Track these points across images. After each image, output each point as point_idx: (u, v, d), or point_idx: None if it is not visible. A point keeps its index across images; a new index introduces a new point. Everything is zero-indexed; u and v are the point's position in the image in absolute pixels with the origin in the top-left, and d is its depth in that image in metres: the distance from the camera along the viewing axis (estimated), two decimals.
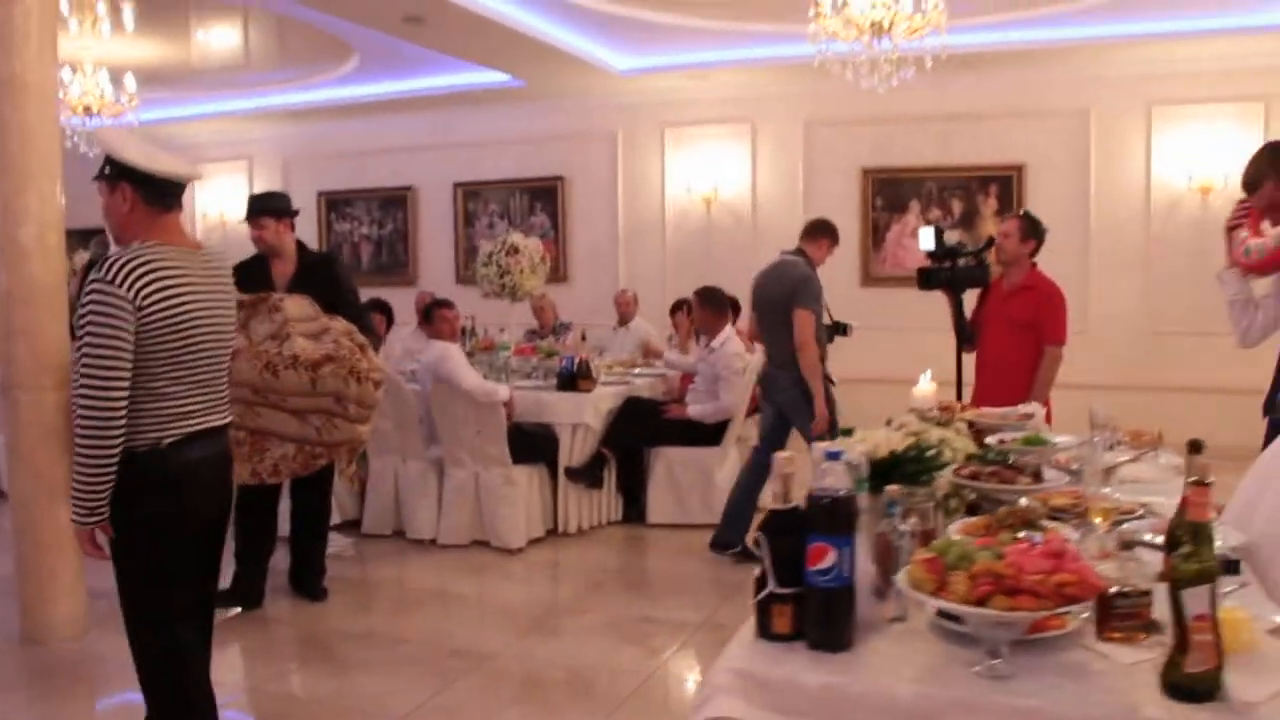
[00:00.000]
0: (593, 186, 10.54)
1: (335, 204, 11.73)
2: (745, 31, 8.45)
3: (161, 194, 2.79)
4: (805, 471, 2.06)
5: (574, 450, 6.24)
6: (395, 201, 11.45)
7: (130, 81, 8.25)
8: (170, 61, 9.51)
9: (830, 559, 1.91)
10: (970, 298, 5.42)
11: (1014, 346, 5.02)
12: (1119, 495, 2.82)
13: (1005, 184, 9.00)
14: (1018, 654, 1.85)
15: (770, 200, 9.84)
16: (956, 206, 9.12)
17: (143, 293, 2.63)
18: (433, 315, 6.24)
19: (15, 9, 4.40)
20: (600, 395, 6.42)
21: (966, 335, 5.38)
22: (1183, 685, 1.70)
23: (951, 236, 8.76)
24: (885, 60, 6.28)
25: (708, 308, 6.48)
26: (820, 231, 5.94)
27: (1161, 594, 1.82)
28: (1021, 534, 2.21)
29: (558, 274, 10.65)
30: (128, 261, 2.67)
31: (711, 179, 9.94)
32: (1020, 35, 8.22)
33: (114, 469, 2.64)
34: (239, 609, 4.92)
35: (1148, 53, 8.33)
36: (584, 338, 7.29)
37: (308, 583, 5.13)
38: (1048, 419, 4.55)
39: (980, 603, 1.74)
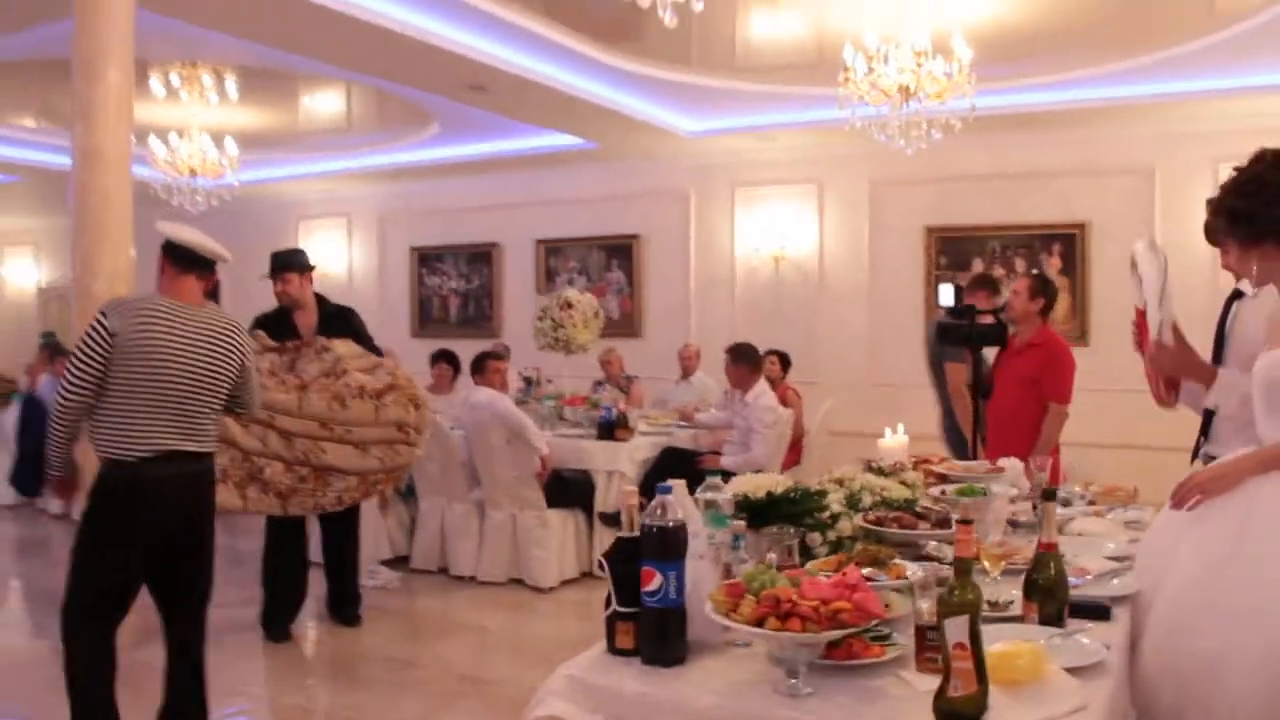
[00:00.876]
0: (666, 244, 10.88)
1: (426, 259, 12.34)
2: (809, 95, 8.70)
3: (181, 261, 3.63)
4: None
5: (609, 496, 6.50)
6: (481, 257, 11.98)
7: (231, 145, 8.93)
8: (273, 126, 10.27)
9: (657, 582, 2.14)
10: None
11: (1021, 402, 5.13)
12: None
13: (1069, 242, 9.00)
14: (829, 677, 2.04)
15: (836, 258, 10.02)
16: (1019, 265, 9.14)
17: (125, 325, 3.43)
18: (483, 365, 6.62)
19: (98, 90, 4.97)
20: (636, 445, 6.69)
21: (983, 390, 5.48)
22: (946, 709, 1.85)
23: None
24: (913, 123, 6.43)
25: (741, 363, 6.70)
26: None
27: None
28: (865, 570, 2.40)
29: (631, 328, 11.03)
30: (121, 302, 3.56)
31: (779, 237, 10.17)
32: (1083, 94, 8.26)
33: (66, 442, 3.55)
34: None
35: (1214, 109, 8.27)
36: (625, 390, 7.56)
37: (342, 609, 5.49)
38: (1054, 475, 4.60)
39: (759, 623, 1.95)
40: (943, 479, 4.08)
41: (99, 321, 3.45)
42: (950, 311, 5.49)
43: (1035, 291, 5.17)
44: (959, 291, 5.47)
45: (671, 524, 2.16)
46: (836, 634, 1.94)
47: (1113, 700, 2.05)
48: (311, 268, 5.59)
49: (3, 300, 16.56)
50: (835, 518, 2.91)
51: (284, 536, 5.27)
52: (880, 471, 3.57)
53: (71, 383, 3.45)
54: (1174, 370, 3.02)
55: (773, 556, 2.48)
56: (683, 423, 7.25)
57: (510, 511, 6.30)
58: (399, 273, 12.55)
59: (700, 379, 9.11)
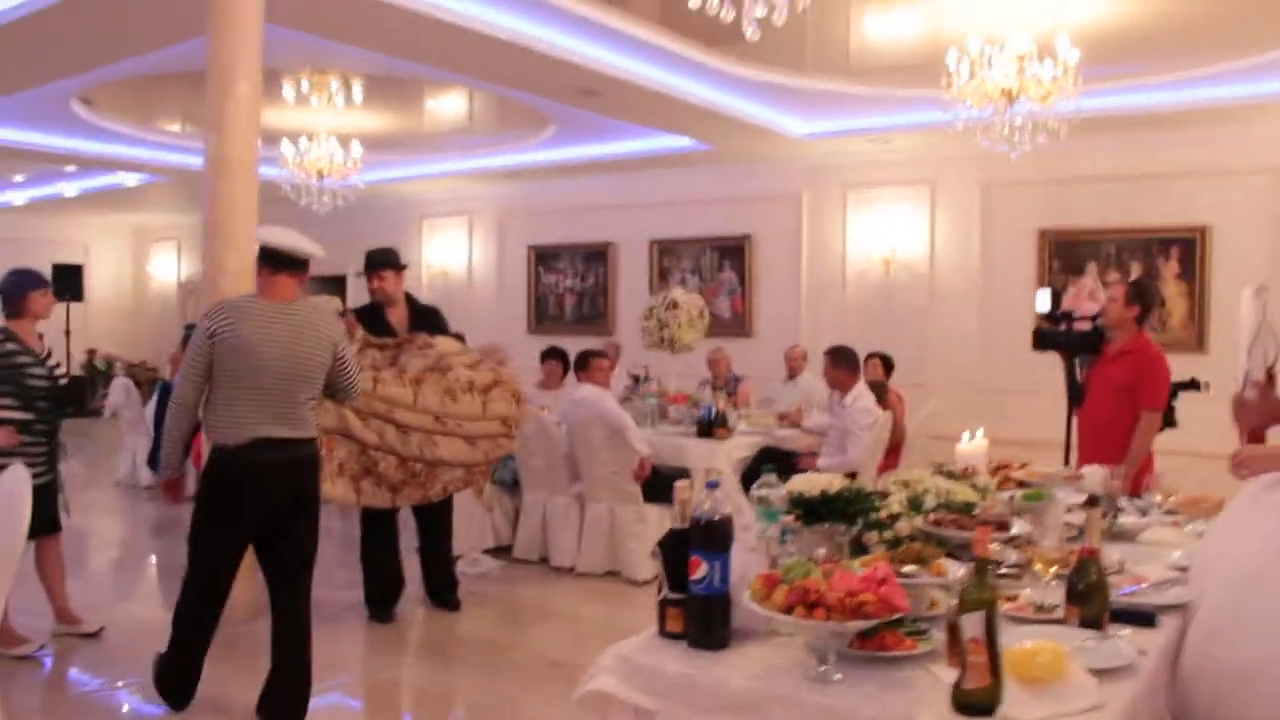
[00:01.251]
0: (778, 245, 10.97)
1: (544, 257, 12.68)
2: (921, 97, 8.68)
3: (273, 262, 3.99)
4: None
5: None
6: (597, 256, 12.26)
7: (356, 147, 9.37)
8: (399, 129, 10.72)
9: (703, 570, 2.29)
10: None
11: (1113, 409, 5.08)
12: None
13: (1188, 246, 8.77)
14: (860, 667, 2.17)
15: (947, 260, 9.96)
16: (1135, 269, 8.94)
17: (218, 325, 3.86)
18: (587, 363, 6.84)
19: (229, 102, 5.36)
20: (734, 444, 6.82)
21: (1077, 397, 5.45)
22: (961, 701, 1.97)
23: None
24: (1015, 126, 6.39)
25: (840, 365, 6.77)
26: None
27: None
28: (908, 568, 2.51)
29: (743, 329, 11.16)
30: (218, 304, 4.00)
31: (891, 239, 10.16)
32: (1204, 93, 8.05)
33: (182, 442, 4.02)
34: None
35: None
36: (732, 390, 7.71)
37: (440, 594, 5.77)
38: (1136, 484, 4.58)
39: (788, 611, 2.09)
40: (1020, 484, 4.14)
41: (201, 324, 3.94)
42: (1046, 317, 5.48)
43: (1131, 299, 5.11)
44: (1056, 296, 5.44)
45: (718, 517, 2.31)
46: (860, 624, 2.06)
47: (1133, 703, 2.10)
48: (404, 266, 5.83)
49: (149, 293, 17.60)
50: (895, 518, 3.00)
51: (377, 524, 5.55)
52: (950, 475, 3.64)
53: (181, 381, 3.94)
54: (1258, 423, 2.99)
55: (821, 551, 2.61)
56: (784, 426, 7.34)
57: (609, 505, 6.50)
58: (517, 270, 12.92)
59: (807, 380, 9.17)
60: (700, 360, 9.38)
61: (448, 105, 10.34)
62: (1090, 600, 2.45)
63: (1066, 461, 5.71)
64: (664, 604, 2.40)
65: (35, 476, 4.76)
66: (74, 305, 14.51)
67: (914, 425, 7.73)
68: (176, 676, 4.15)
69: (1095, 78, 7.77)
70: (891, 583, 2.16)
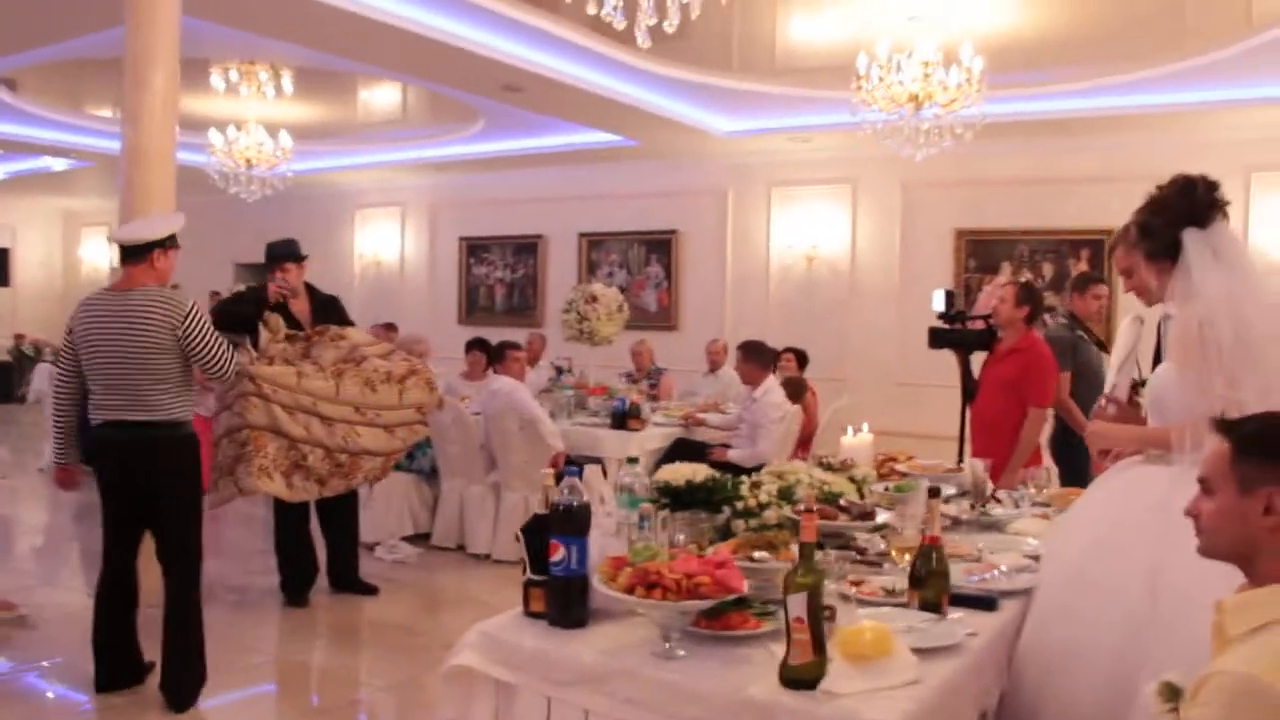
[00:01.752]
0: (703, 240, 11.15)
1: (475, 249, 12.75)
2: (843, 98, 8.87)
3: (121, 254, 4.28)
4: None
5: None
6: (527, 248, 12.37)
7: (285, 137, 9.39)
8: (331, 119, 10.74)
9: (561, 553, 2.45)
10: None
11: (1001, 406, 5.31)
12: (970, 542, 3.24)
13: (1097, 248, 9.08)
14: (705, 644, 2.34)
15: (868, 258, 10.21)
16: (1048, 269, 9.25)
17: (71, 321, 4.24)
18: (503, 354, 6.97)
19: (145, 93, 5.39)
20: (648, 435, 6.99)
21: (971, 393, 5.68)
22: (787, 676, 2.13)
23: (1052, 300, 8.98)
24: (928, 129, 6.61)
25: (751, 360, 6.95)
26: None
27: None
28: (759, 554, 2.68)
29: (669, 321, 11.33)
30: (81, 300, 4.33)
31: (813, 236, 10.39)
32: (1115, 101, 8.32)
33: (63, 431, 4.34)
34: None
35: (1246, 118, 8.30)
36: (652, 384, 7.89)
37: (351, 580, 5.87)
38: (995, 473, 4.75)
39: (629, 591, 2.25)
40: (904, 476, 4.35)
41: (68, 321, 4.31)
42: (941, 315, 5.69)
43: (1021, 299, 5.34)
44: (950, 297, 5.66)
45: (575, 503, 2.47)
46: (697, 604, 2.22)
47: (954, 679, 2.27)
48: (305, 257, 5.84)
49: (80, 278, 17.36)
50: (764, 506, 3.18)
51: (287, 512, 5.66)
52: (828, 467, 3.83)
53: (55, 375, 4.39)
54: (1107, 442, 3.12)
55: (680, 537, 2.77)
56: (686, 423, 7.51)
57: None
58: (448, 261, 12.98)
59: (727, 373, 9.34)
60: (624, 352, 9.56)
61: (380, 97, 10.41)
62: (931, 585, 2.63)
63: (960, 455, 5.94)
64: (527, 585, 2.55)
65: None
66: (1, 290, 14.31)
67: (825, 418, 7.94)
68: (98, 655, 4.29)
69: (1007, 84, 8.05)
70: (730, 566, 2.32)
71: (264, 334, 5.31)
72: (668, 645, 2.29)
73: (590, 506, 2.51)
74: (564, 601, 2.46)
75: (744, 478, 3.35)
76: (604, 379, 8.60)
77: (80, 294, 4.83)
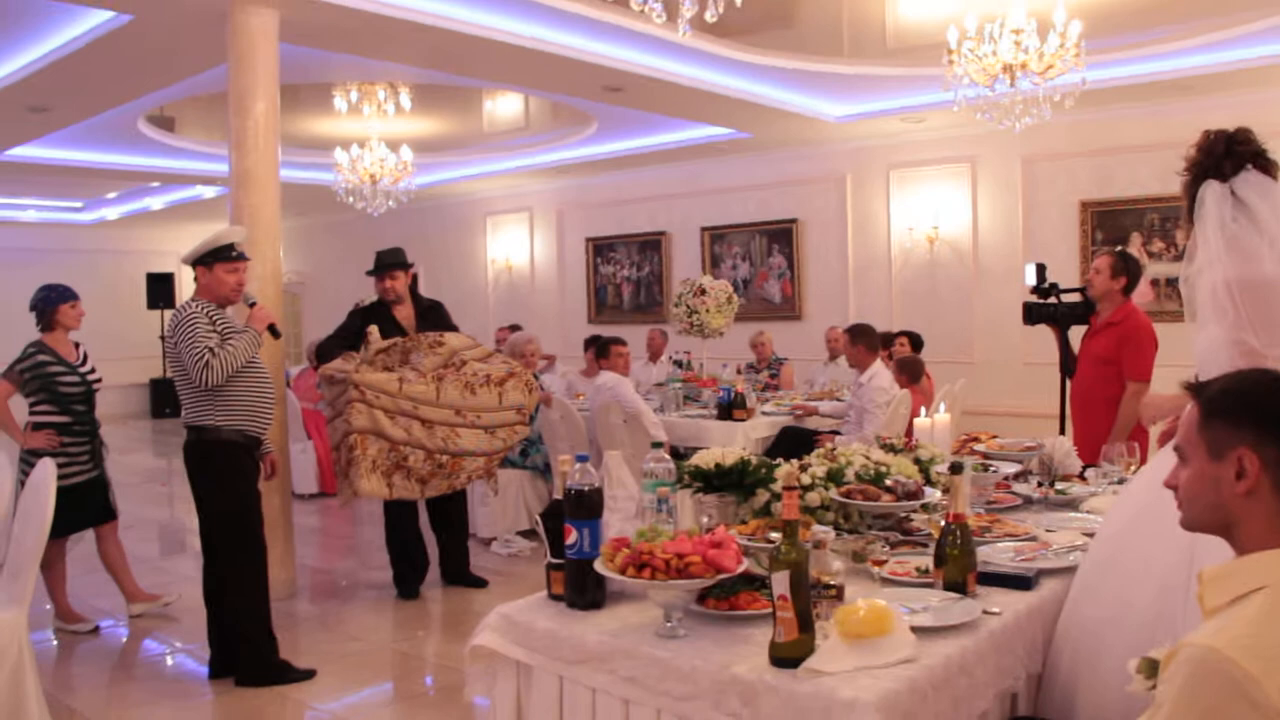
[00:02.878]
0: (824, 228, 11.06)
1: (601, 248, 12.97)
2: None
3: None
4: None
5: None
6: (651, 245, 12.50)
7: (405, 151, 9.77)
8: (455, 130, 11.13)
9: (574, 537, 2.54)
10: None
11: (1099, 381, 5.13)
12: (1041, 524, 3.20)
13: None
14: (710, 624, 2.40)
15: (991, 236, 9.94)
16: (1181, 238, 8.81)
17: None
18: (607, 350, 7.12)
19: (248, 121, 5.76)
20: (754, 424, 7.01)
21: (1069, 369, 5.51)
22: (773, 655, 2.16)
23: (1175, 269, 8.58)
24: (1025, 101, 6.41)
25: (859, 343, 6.89)
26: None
27: None
28: (773, 534, 2.71)
29: (793, 311, 11.29)
30: None
31: (934, 217, 10.18)
32: (1235, 55, 7.87)
33: None
34: None
35: None
36: (739, 371, 7.91)
37: (462, 574, 6.10)
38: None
39: (622, 571, 2.32)
40: (986, 456, 4.29)
41: None
42: (1034, 290, 5.53)
43: (1117, 270, 5.14)
44: (1041, 270, 5.50)
45: (587, 488, 2.56)
46: (686, 583, 2.28)
47: (959, 659, 2.25)
48: (411, 265, 6.14)
49: None
50: (807, 489, 3.20)
51: (398, 511, 5.92)
52: (890, 449, 3.81)
53: None
54: (1156, 411, 3.06)
55: (705, 520, 2.83)
56: (796, 412, 7.49)
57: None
58: (576, 262, 13.24)
59: (845, 360, 9.27)
60: (746, 345, 9.61)
61: (502, 106, 10.72)
62: (955, 563, 2.61)
63: (1062, 432, 5.77)
64: (548, 568, 2.66)
65: (82, 473, 5.29)
66: (168, 312, 15.35)
67: (936, 401, 7.78)
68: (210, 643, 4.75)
69: (1121, 46, 7.73)
70: (727, 545, 2.37)
71: (368, 345, 5.58)
72: (669, 625, 2.35)
73: (601, 491, 2.60)
74: (579, 584, 2.55)
75: (793, 461, 3.36)
76: (722, 372, 8.64)
77: (242, 313, 5.32)
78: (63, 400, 5.26)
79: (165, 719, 4.27)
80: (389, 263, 5.99)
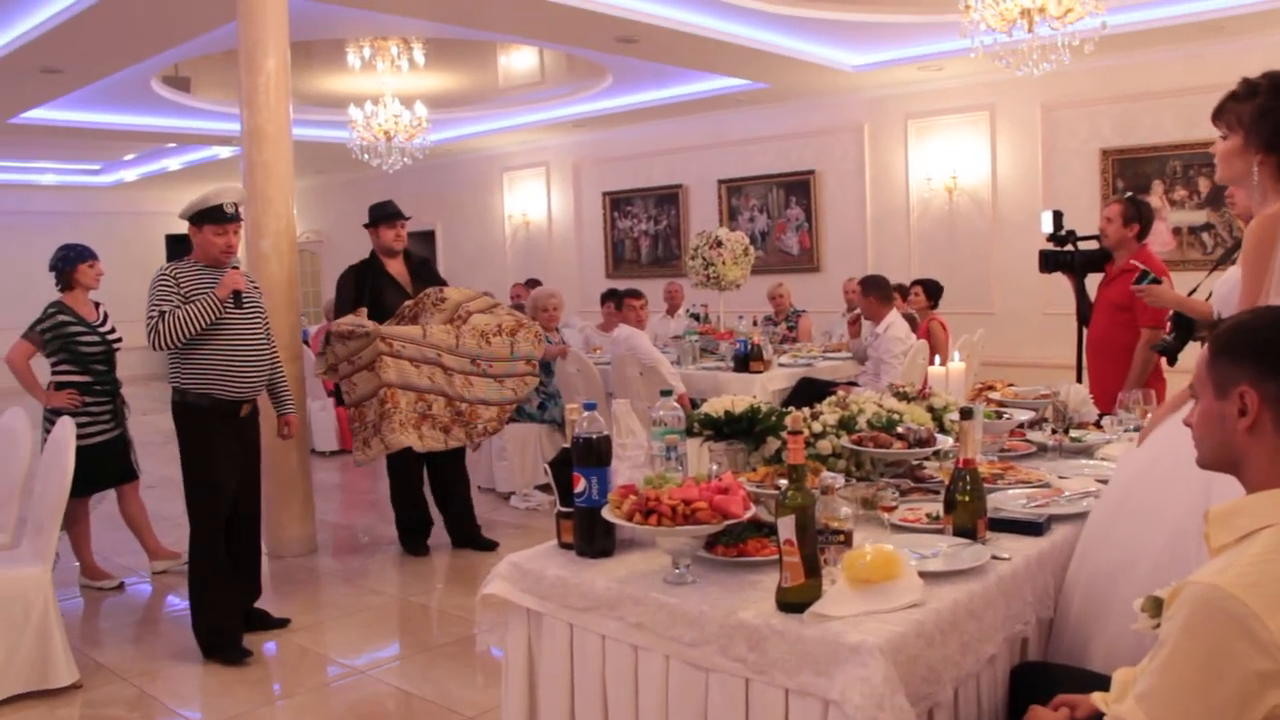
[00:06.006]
0: (842, 179, 10.97)
1: (618, 202, 12.92)
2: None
3: None
4: None
5: None
6: (668, 199, 12.44)
7: (420, 107, 9.73)
8: (471, 85, 11.05)
9: (583, 485, 2.54)
10: None
11: (1115, 328, 5.08)
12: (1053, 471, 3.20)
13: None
14: (718, 570, 2.41)
15: (1010, 186, 9.83)
16: (1204, 186, 8.69)
17: None
18: (622, 303, 7.11)
19: (259, 78, 5.73)
20: (771, 376, 6.99)
21: (1085, 317, 5.46)
22: (780, 600, 2.16)
23: (1198, 217, 8.47)
24: (1043, 46, 6.31)
25: (871, 294, 6.86)
26: None
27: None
28: (782, 482, 2.71)
29: (811, 263, 11.23)
30: None
31: (952, 167, 10.07)
32: None
33: None
34: None
35: None
36: (756, 323, 7.89)
37: (471, 536, 6.08)
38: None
39: (629, 518, 2.33)
40: (1000, 404, 4.27)
41: None
42: (1051, 237, 5.47)
43: (1129, 217, 5.08)
44: (1059, 217, 5.44)
45: (595, 436, 2.56)
46: (692, 529, 2.27)
47: (968, 604, 2.25)
48: (407, 218, 6.06)
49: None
50: (818, 436, 3.19)
51: (400, 468, 5.94)
52: (903, 397, 3.79)
53: None
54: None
55: (714, 466, 2.83)
56: (815, 356, 7.47)
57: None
58: (593, 216, 13.19)
59: None
60: (764, 297, 9.57)
61: (517, 60, 10.62)
62: (965, 509, 2.61)
63: (1079, 380, 5.73)
64: (558, 516, 2.66)
65: (103, 432, 5.33)
66: None
67: (952, 351, 7.75)
68: None
69: None
70: (734, 491, 2.37)
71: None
72: (677, 571, 2.36)
73: (610, 438, 2.60)
74: (588, 532, 2.56)
75: (805, 409, 3.35)
76: (739, 324, 8.62)
77: (258, 272, 5.39)
78: (83, 360, 5.30)
79: (189, 673, 4.33)
80: (393, 213, 5.90)
